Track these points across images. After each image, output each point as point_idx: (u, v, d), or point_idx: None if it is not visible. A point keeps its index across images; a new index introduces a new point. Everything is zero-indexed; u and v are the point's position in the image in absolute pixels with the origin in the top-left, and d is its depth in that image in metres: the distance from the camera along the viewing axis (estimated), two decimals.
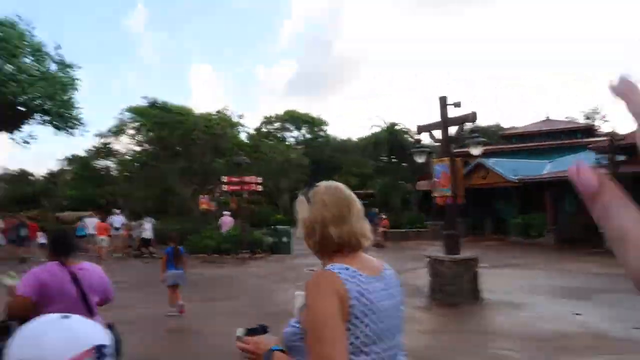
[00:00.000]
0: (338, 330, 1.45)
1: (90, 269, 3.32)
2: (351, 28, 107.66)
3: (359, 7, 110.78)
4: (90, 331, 1.15)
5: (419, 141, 16.49)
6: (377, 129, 32.04)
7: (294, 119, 46.52)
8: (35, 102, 34.32)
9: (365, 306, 1.50)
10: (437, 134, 10.62)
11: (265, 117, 46.27)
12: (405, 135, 30.78)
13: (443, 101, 9.95)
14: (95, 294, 3.24)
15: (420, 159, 12.38)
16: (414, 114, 78.21)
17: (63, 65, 36.59)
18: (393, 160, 31.03)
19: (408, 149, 29.55)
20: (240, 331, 1.73)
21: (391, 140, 30.00)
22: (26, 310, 2.90)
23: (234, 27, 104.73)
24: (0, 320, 2.95)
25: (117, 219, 18.01)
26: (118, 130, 33.89)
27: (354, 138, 40.43)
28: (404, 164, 30.04)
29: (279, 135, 45.43)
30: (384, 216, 22.70)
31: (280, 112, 46.97)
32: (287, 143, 44.04)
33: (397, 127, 31.19)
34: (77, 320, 1.18)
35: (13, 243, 17.48)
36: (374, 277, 1.60)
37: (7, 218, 18.91)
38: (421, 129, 10.95)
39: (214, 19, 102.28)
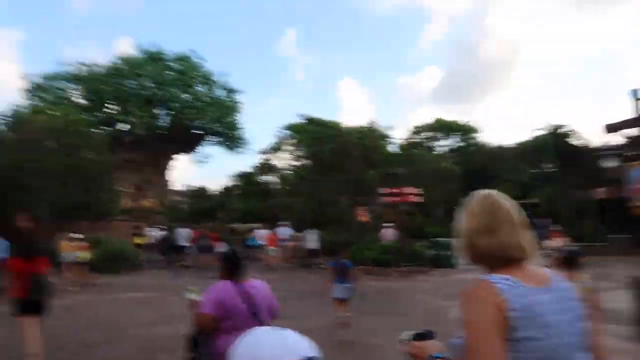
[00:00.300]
0: (495, 344, 1.33)
1: (259, 287, 3.46)
2: (499, 28, 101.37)
3: (507, 4, 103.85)
4: (301, 343, 1.22)
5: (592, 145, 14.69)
6: (539, 133, 29.55)
7: (443, 127, 45.23)
8: (207, 126, 39.14)
9: (527, 319, 1.37)
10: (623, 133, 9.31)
11: (415, 127, 45.75)
12: (572, 139, 27.86)
13: (635, 95, 8.69)
14: (265, 310, 3.35)
15: (609, 163, 10.99)
16: (577, 116, 70.32)
17: (229, 90, 41.20)
18: (559, 166, 28.22)
19: (578, 153, 26.66)
20: (406, 334, 1.70)
21: (557, 145, 27.34)
22: (210, 325, 3.22)
23: (376, 37, 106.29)
24: (190, 333, 3.39)
25: (284, 231, 19.31)
26: (277, 147, 36.67)
27: (509, 144, 37.77)
28: (571, 170, 27.09)
29: (428, 144, 44.53)
30: (557, 228, 20.60)
31: (429, 120, 46.08)
32: (437, 152, 42.94)
33: (562, 130, 28.39)
34: (289, 333, 1.25)
35: (198, 252, 19.92)
36: (540, 288, 1.45)
37: (196, 229, 21.57)
38: (611, 128, 9.71)
39: (357, 31, 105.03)
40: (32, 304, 6.01)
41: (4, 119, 22.07)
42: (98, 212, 27.48)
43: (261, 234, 19.67)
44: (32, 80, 33.95)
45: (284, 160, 35.79)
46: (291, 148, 35.34)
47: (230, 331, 3.06)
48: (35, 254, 6.04)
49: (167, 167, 41.62)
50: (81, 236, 15.25)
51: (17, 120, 20.92)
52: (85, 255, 14.87)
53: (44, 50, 76.93)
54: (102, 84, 34.68)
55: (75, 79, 35.30)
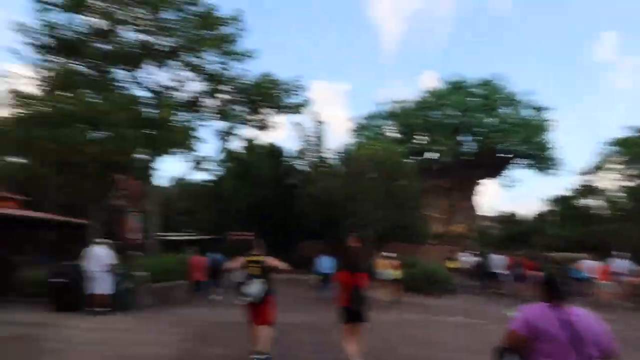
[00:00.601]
0: None
1: (583, 316, 3.15)
2: None
3: None
4: None
5: None
6: None
7: None
8: (515, 148, 37.18)
9: None
10: None
11: None
12: None
13: None
14: (592, 345, 3.02)
15: None
16: None
17: (536, 109, 38.26)
18: None
19: None
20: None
21: None
22: (517, 342, 3.21)
23: None
24: (498, 346, 3.39)
25: (621, 264, 16.16)
26: (600, 166, 31.65)
27: None
28: None
29: None
30: None
31: None
32: None
33: None
34: None
35: (513, 280, 18.70)
36: None
37: (510, 256, 20.46)
38: None
39: None
40: (353, 312, 6.70)
41: (338, 156, 26.42)
42: (412, 234, 29.60)
43: (590, 265, 17.02)
44: (357, 121, 40.02)
45: (610, 180, 30.55)
46: (619, 166, 29.89)
47: (546, 356, 3.08)
48: (358, 270, 6.78)
49: (473, 192, 41.44)
50: (394, 255, 16.38)
51: (347, 156, 24.72)
52: (398, 273, 15.95)
53: (364, 94, 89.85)
54: (412, 118, 37.74)
55: (390, 115, 39.60)
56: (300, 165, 34.57)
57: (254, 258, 7.06)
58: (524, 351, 3.18)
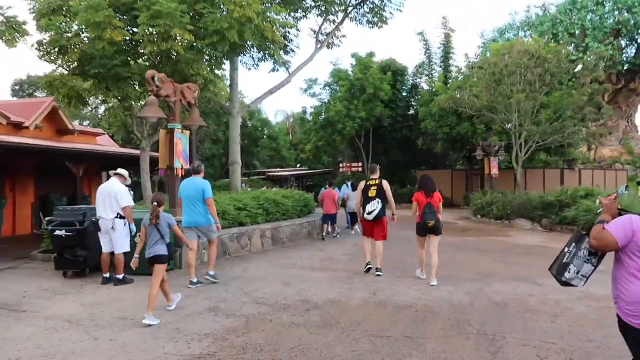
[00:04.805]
0: None
1: None
2: None
3: None
4: None
5: None
6: None
7: None
8: None
9: None
10: None
11: None
12: None
13: None
14: None
15: None
16: None
17: None
18: None
19: None
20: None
21: None
22: (606, 248, 2.63)
23: None
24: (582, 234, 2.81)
25: None
26: None
27: None
28: None
29: None
30: None
31: None
32: None
33: None
34: None
35: None
36: None
37: None
38: None
39: None
40: (426, 227, 7.05)
41: (472, 64, 21.76)
42: (565, 155, 24.67)
43: None
44: (486, 36, 34.10)
45: None
46: None
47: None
48: (432, 191, 7.24)
49: (633, 108, 34.08)
50: None
51: (485, 60, 20.01)
52: None
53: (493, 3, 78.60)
54: (557, 24, 30.98)
55: (526, 26, 33.17)
56: (423, 82, 30.59)
57: (372, 182, 7.78)
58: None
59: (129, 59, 10.01)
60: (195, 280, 6.78)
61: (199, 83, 10.30)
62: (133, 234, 7.23)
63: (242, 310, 5.58)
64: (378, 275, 7.53)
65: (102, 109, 28.78)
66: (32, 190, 15.79)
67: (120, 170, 7.33)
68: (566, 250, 2.80)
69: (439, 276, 7.16)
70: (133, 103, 11.54)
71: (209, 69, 11.08)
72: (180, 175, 8.43)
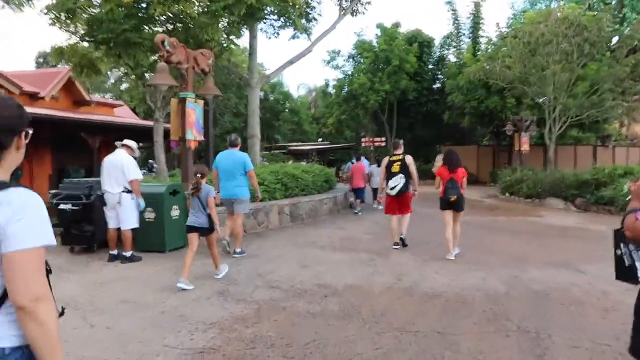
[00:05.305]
0: None
1: None
2: None
3: None
4: None
5: None
6: None
7: None
8: None
9: None
10: None
11: None
12: None
13: None
14: None
15: None
16: None
17: None
18: None
19: None
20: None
21: None
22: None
23: None
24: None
25: None
26: None
27: None
28: None
29: None
30: None
31: None
32: None
33: None
34: None
35: None
36: None
37: None
38: None
39: None
40: (448, 202, 6.89)
41: (503, 33, 20.54)
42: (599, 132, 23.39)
43: None
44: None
45: None
46: None
47: None
48: (456, 166, 6.98)
49: None
50: None
51: (518, 29, 18.80)
52: None
53: None
54: None
55: None
56: (451, 54, 29.31)
57: (395, 157, 7.71)
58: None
59: (140, 23, 9.43)
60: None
61: (215, 50, 9.67)
62: (141, 208, 6.80)
63: (253, 295, 5.12)
64: (401, 239, 7.69)
65: (125, 84, 28.50)
66: (49, 161, 15.60)
67: (127, 141, 6.86)
68: (619, 252, 2.51)
69: (469, 259, 6.68)
70: (146, 71, 11.01)
71: (225, 34, 10.43)
72: (192, 147, 7.94)
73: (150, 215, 7.22)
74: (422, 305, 4.77)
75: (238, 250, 6.98)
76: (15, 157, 1.42)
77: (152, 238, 7.15)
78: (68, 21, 9.42)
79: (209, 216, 5.47)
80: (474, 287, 5.46)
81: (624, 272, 2.51)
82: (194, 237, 5.43)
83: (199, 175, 5.51)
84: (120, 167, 6.57)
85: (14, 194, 1.31)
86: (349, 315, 4.45)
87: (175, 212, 7.46)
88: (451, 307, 4.70)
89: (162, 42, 7.24)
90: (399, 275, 5.99)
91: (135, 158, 6.88)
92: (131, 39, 8.95)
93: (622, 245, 2.48)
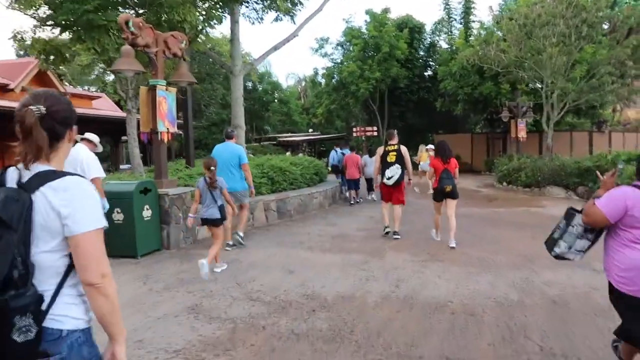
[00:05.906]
0: None
1: None
2: None
3: None
4: None
5: None
6: None
7: None
8: None
9: None
10: None
11: None
12: None
13: None
14: None
15: None
16: None
17: None
18: None
19: None
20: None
21: None
22: (597, 224, 2.68)
23: None
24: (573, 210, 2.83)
25: None
26: None
27: None
28: None
29: None
30: None
31: None
32: None
33: None
34: None
35: None
36: None
37: None
38: None
39: None
40: (442, 192, 7.18)
41: (496, 17, 19.80)
42: (593, 117, 22.80)
43: None
44: None
45: None
46: None
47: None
48: (449, 157, 7.26)
49: None
50: None
51: (512, 12, 18.08)
52: None
53: None
54: None
55: None
56: (442, 40, 28.56)
57: (391, 147, 7.72)
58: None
59: (106, 4, 8.56)
60: (231, 242, 6.97)
61: (190, 34, 8.84)
62: (105, 210, 6.04)
63: (229, 310, 4.42)
64: (395, 238, 7.70)
65: (109, 75, 27.31)
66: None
67: (89, 135, 6.05)
68: (557, 226, 2.85)
69: (473, 258, 6.08)
70: (114, 57, 10.15)
71: (200, 17, 9.60)
72: (165, 139, 7.17)
73: (118, 216, 6.48)
74: (424, 322, 4.09)
75: (241, 233, 7.17)
76: (67, 148, 1.55)
77: (121, 243, 6.39)
78: (25, 2, 8.54)
79: (220, 207, 5.62)
80: (483, 294, 4.80)
81: (549, 242, 2.89)
82: (212, 229, 5.67)
83: (212, 168, 5.60)
84: (79, 163, 5.76)
85: (69, 181, 1.43)
86: (340, 336, 3.77)
87: (147, 213, 6.72)
88: (459, 323, 4.03)
89: (126, 23, 6.43)
90: (396, 281, 5.32)
91: (96, 154, 6.09)
92: (94, 21, 8.12)
93: (563, 221, 2.81)
